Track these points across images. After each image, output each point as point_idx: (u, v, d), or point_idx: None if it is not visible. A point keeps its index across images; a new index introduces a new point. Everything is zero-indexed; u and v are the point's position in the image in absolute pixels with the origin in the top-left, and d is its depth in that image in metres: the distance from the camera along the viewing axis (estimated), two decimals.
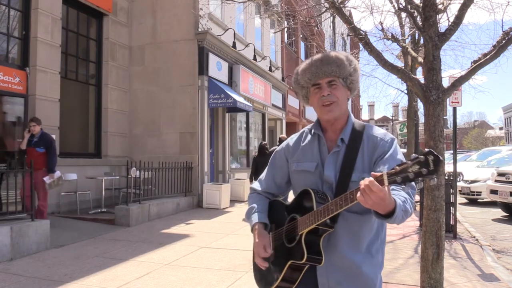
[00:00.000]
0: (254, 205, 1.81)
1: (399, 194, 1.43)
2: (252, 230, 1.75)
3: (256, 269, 1.81)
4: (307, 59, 1.73)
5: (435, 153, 1.20)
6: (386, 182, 1.26)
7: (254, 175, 8.49)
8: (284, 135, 12.99)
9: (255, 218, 1.76)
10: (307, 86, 1.66)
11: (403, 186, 1.27)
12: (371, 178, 1.27)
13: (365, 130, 1.63)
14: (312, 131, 1.71)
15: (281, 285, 1.65)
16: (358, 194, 1.30)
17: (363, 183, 1.28)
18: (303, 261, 1.53)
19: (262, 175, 1.90)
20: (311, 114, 20.98)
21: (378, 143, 1.58)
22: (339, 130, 1.65)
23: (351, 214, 1.57)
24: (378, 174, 1.28)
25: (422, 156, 1.22)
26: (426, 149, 1.24)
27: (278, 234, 1.71)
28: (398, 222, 1.41)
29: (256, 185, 1.90)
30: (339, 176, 1.57)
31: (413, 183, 1.37)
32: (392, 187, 1.43)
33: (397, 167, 1.26)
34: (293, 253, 1.58)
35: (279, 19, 15.63)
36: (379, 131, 1.64)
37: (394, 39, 5.68)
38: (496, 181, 9.28)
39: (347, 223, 1.57)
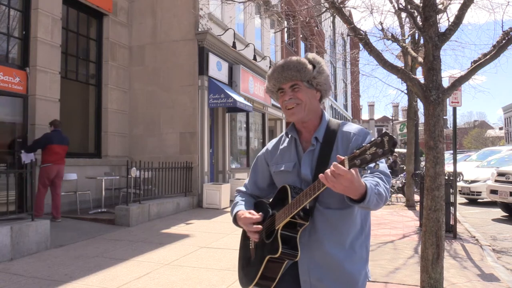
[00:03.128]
0: (238, 200, 1.89)
1: (371, 180, 1.46)
2: (235, 219, 1.78)
3: (240, 268, 1.86)
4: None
5: (390, 134, 1.24)
6: (347, 166, 1.30)
7: None
8: None
9: (238, 209, 1.80)
10: (274, 90, 1.74)
11: (364, 169, 1.30)
12: (335, 162, 1.32)
13: (339, 127, 1.68)
14: (289, 134, 1.78)
15: (261, 283, 1.67)
16: (325, 177, 1.34)
17: (329, 170, 1.33)
18: (277, 255, 1.55)
19: (246, 180, 1.97)
20: None
21: (351, 138, 1.63)
22: (313, 130, 1.71)
23: (330, 210, 1.60)
24: (341, 158, 1.33)
25: (378, 138, 1.25)
26: (383, 131, 1.27)
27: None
28: (373, 207, 1.43)
29: (241, 188, 1.98)
30: (315, 173, 1.60)
31: (386, 170, 1.50)
32: (365, 175, 1.49)
33: (356, 151, 1.30)
34: (271, 248, 1.60)
35: (279, 19, 15.63)
36: (353, 127, 1.68)
37: (394, 39, 5.69)
38: (496, 181, 9.28)
39: (327, 219, 1.59)
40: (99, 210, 8.50)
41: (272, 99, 1.90)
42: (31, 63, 8.05)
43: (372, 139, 1.28)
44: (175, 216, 8.71)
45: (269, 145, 1.89)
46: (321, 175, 1.35)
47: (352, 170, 1.30)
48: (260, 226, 1.64)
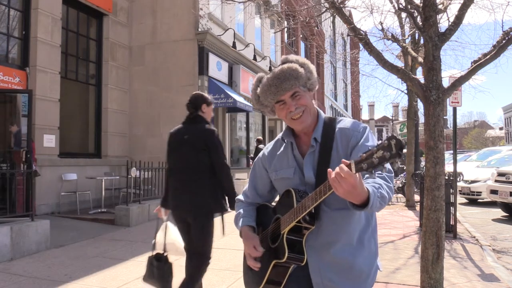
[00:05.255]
0: (240, 211, 1.84)
1: (373, 182, 1.43)
2: (240, 235, 1.77)
3: (245, 272, 1.83)
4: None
5: (397, 137, 1.21)
6: (353, 170, 1.26)
7: None
8: (260, 137, 13.03)
9: (241, 223, 1.78)
10: (271, 104, 1.65)
11: (371, 172, 1.27)
12: (341, 165, 1.29)
13: (336, 124, 1.64)
14: (285, 139, 1.73)
15: (268, 287, 1.65)
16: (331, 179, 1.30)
17: (333, 171, 1.29)
18: (283, 260, 1.53)
19: (245, 187, 1.92)
20: None
21: (350, 134, 1.59)
22: (311, 131, 1.66)
23: (336, 211, 1.57)
24: (347, 162, 1.29)
25: (385, 141, 1.22)
26: (389, 135, 1.25)
27: (263, 236, 1.72)
28: (376, 210, 1.41)
29: (240, 197, 1.92)
30: (317, 174, 1.57)
31: (388, 166, 1.42)
32: (366, 176, 1.45)
33: (363, 154, 1.26)
34: (276, 252, 1.58)
35: (279, 19, 15.63)
36: (350, 123, 1.64)
37: (394, 39, 5.68)
38: (496, 181, 9.28)
39: (333, 219, 1.57)
40: (99, 210, 8.50)
41: (261, 112, 1.80)
42: (31, 63, 8.06)
43: (379, 142, 1.26)
44: None
45: (265, 150, 1.82)
46: (329, 170, 1.31)
47: (356, 174, 1.27)
48: (258, 264, 1.65)
